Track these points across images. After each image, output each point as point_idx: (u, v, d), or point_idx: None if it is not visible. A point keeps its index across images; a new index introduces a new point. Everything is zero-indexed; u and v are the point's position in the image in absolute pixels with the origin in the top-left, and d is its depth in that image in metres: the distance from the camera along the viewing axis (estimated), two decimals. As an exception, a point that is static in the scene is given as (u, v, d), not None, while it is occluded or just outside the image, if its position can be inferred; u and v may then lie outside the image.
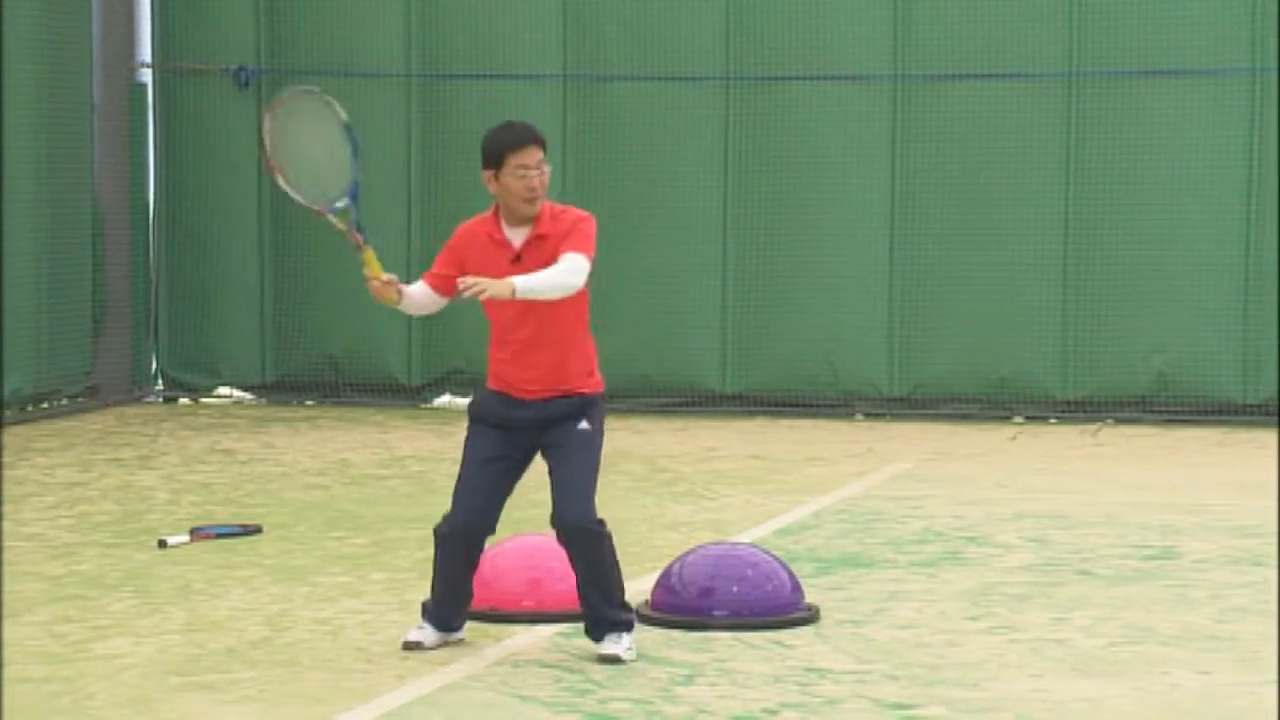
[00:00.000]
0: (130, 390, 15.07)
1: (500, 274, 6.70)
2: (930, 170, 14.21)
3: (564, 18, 14.56)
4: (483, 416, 6.87)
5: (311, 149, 6.85)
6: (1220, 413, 13.91)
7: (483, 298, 6.59)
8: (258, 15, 14.93)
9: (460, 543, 6.87)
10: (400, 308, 6.94)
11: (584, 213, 6.86)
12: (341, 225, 6.86)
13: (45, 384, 14.14)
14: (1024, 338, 14.12)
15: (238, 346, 15.13)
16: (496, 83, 14.62)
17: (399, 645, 7.03)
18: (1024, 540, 9.35)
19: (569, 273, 6.65)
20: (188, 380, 15.26)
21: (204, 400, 15.27)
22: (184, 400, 15.25)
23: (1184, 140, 13.84)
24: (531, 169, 6.69)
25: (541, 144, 6.74)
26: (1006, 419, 14.15)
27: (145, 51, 15.18)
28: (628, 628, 6.91)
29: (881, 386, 14.34)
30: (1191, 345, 13.89)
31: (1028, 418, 14.15)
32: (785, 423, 14.01)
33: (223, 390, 15.36)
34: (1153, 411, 14.02)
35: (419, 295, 6.92)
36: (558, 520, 6.75)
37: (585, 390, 6.85)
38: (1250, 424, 13.78)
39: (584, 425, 6.81)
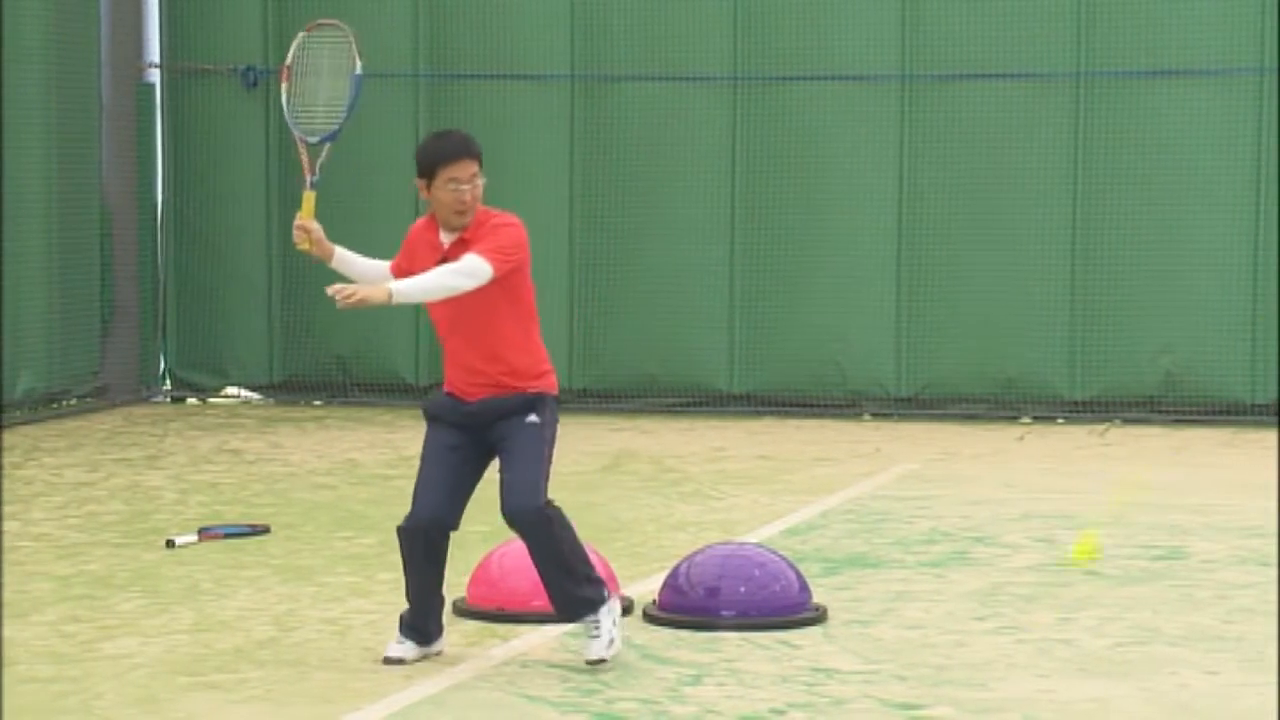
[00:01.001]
0: (138, 390, 15.09)
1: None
2: (938, 170, 14.21)
3: (572, 18, 14.56)
4: (436, 415, 6.87)
5: (319, 80, 6.88)
6: (1228, 413, 13.89)
7: (359, 305, 6.51)
8: (265, 16, 14.94)
9: (421, 537, 6.79)
10: (333, 265, 6.89)
11: (511, 218, 6.80)
12: (305, 157, 6.84)
13: (55, 384, 14.15)
14: (1032, 338, 14.12)
15: (245, 346, 15.14)
16: (505, 83, 14.62)
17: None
18: (1031, 540, 9.35)
19: (455, 274, 6.59)
20: (196, 380, 15.27)
21: (212, 400, 15.28)
22: (192, 400, 15.26)
23: (1192, 140, 13.83)
24: (464, 183, 6.67)
25: (476, 157, 6.71)
26: (1014, 419, 14.14)
27: (153, 52, 15.19)
28: (592, 605, 6.73)
29: (889, 386, 14.34)
30: (1199, 346, 13.88)
31: (1035, 418, 14.14)
32: (792, 423, 14.01)
33: (230, 390, 15.37)
34: (1160, 412, 14.01)
35: (371, 271, 6.90)
36: (503, 510, 6.68)
37: (531, 390, 6.78)
38: (1258, 424, 13.77)
39: (531, 418, 6.76)
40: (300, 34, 7.01)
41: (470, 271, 6.60)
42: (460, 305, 6.69)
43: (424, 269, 6.72)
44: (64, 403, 14.35)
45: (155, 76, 15.19)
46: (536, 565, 6.77)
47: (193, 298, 15.20)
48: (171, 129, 15.18)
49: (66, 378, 14.30)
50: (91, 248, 14.57)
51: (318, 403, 15.06)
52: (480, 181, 6.74)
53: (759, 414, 14.35)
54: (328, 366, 15.05)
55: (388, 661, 6.88)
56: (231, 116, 15.06)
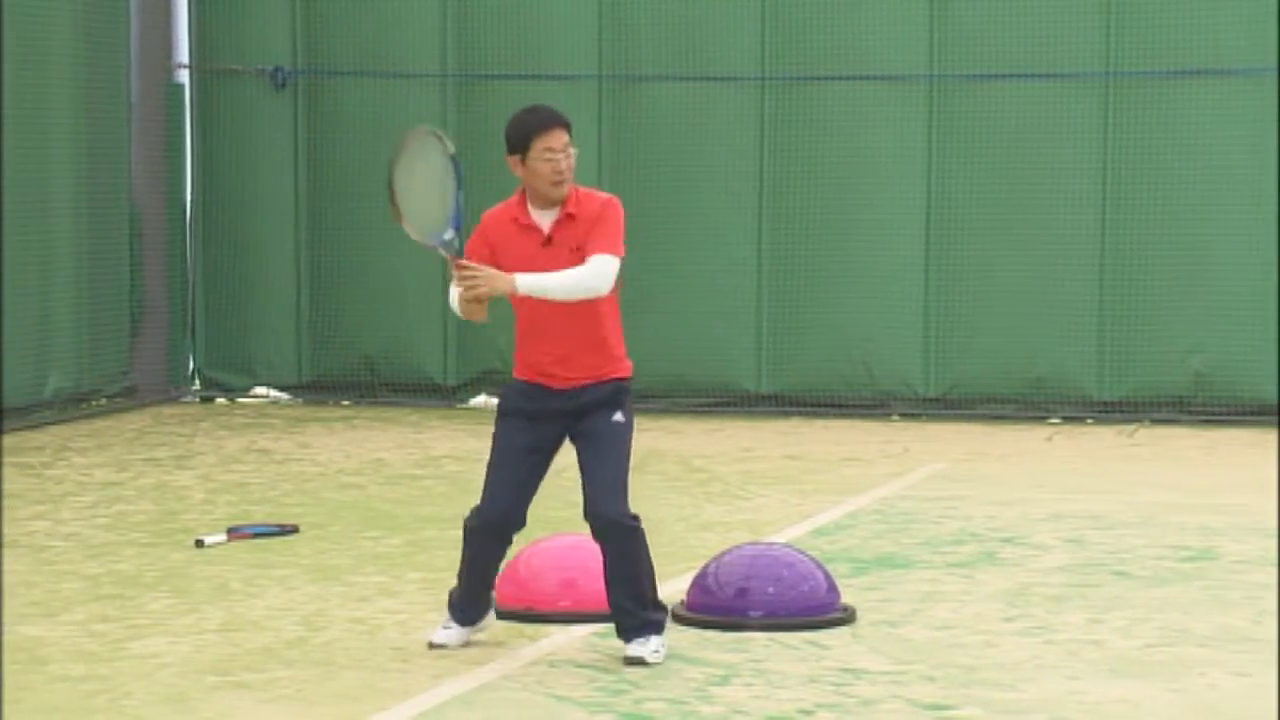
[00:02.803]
0: (167, 390, 15.12)
1: (531, 258, 6.67)
2: (966, 170, 14.18)
3: (600, 18, 14.56)
4: (513, 409, 6.82)
5: (422, 184, 6.79)
6: (1258, 413, 13.84)
7: (479, 293, 6.50)
8: (294, 16, 14.97)
9: (491, 536, 6.85)
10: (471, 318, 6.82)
11: (611, 196, 6.81)
12: (447, 254, 6.76)
13: (85, 384, 14.19)
14: (1060, 338, 14.08)
15: (274, 346, 15.16)
16: (532, 83, 14.63)
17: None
18: (1060, 541, 9.32)
19: (594, 276, 6.60)
20: (224, 380, 15.30)
21: (240, 400, 15.31)
22: (220, 400, 15.29)
23: (1221, 139, 13.78)
24: (558, 152, 6.63)
25: (567, 126, 6.68)
26: (1043, 419, 14.11)
27: (182, 52, 15.23)
28: (657, 629, 6.83)
29: (917, 387, 14.31)
30: (1228, 346, 13.83)
31: (1064, 418, 14.10)
32: (820, 423, 14.00)
33: (259, 390, 15.40)
34: (1190, 412, 13.96)
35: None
36: (592, 513, 6.69)
37: (617, 375, 6.78)
38: (1288, 425, 13.71)
39: (618, 417, 6.75)
40: (391, 167, 6.86)
41: (608, 274, 6.60)
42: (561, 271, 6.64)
43: (523, 255, 6.64)
44: (93, 403, 14.38)
45: (184, 77, 15.23)
46: (607, 571, 6.77)
47: (221, 298, 15.23)
48: (200, 129, 15.21)
49: (96, 378, 14.34)
50: (121, 248, 14.62)
51: (346, 403, 15.08)
52: (574, 151, 6.69)
53: (787, 414, 14.34)
54: (356, 366, 15.07)
55: (432, 646, 6.94)
56: (260, 117, 15.09)
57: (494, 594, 7.12)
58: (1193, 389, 13.95)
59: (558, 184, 6.66)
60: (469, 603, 7.00)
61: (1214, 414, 13.90)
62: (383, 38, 14.90)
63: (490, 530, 6.85)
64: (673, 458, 12.13)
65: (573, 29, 14.61)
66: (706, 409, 14.53)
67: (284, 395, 15.31)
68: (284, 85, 15.00)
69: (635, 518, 6.75)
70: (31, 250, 13.56)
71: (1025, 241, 14.12)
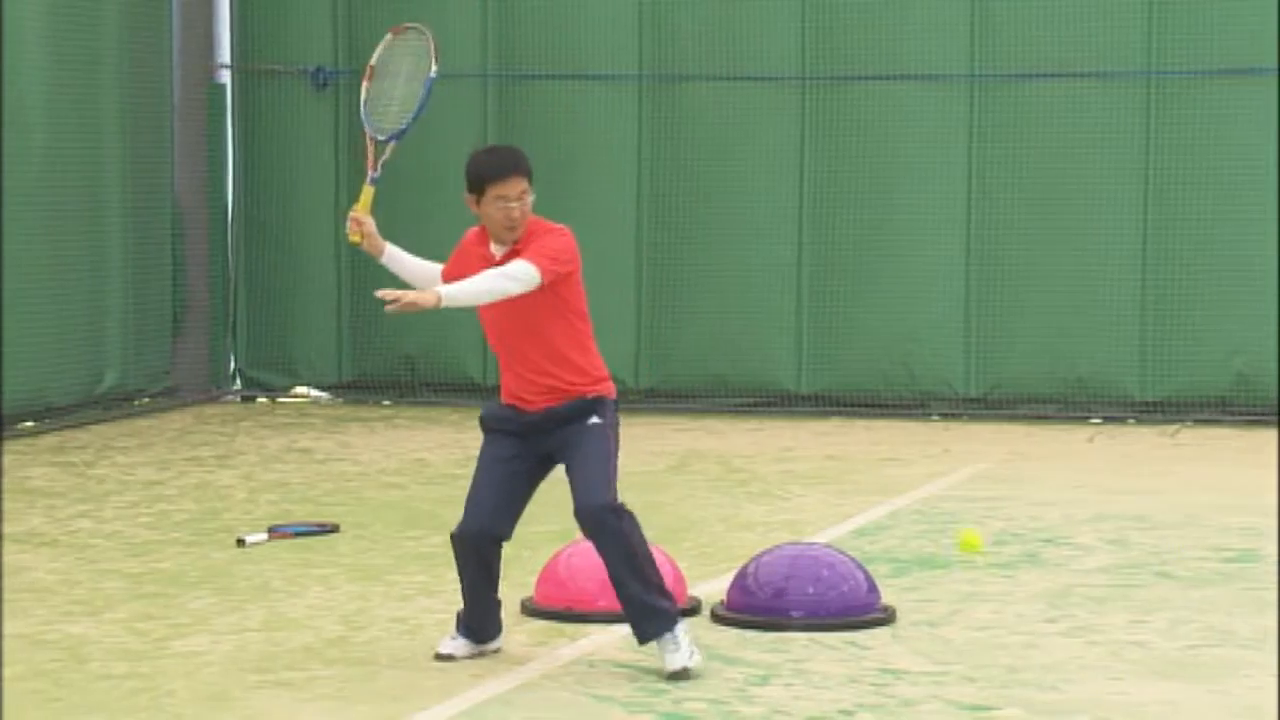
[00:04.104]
0: (209, 390, 15.17)
1: None
2: (1007, 170, 14.13)
3: (640, 18, 14.56)
4: (492, 425, 6.86)
5: (397, 81, 6.99)
6: (1301, 414, 13.77)
7: (408, 310, 6.53)
8: (335, 17, 15.00)
9: (470, 546, 6.79)
10: (383, 262, 6.98)
11: (561, 227, 6.78)
12: (371, 153, 6.92)
13: (128, 384, 14.25)
14: (1102, 338, 14.03)
15: (315, 346, 15.20)
16: (573, 83, 14.63)
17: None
18: (1102, 542, 9.29)
19: (503, 277, 6.58)
20: (265, 380, 15.35)
21: (281, 400, 15.35)
22: (262, 400, 15.33)
23: (1264, 139, 13.71)
24: (511, 200, 6.65)
25: (525, 174, 6.69)
26: (1084, 420, 14.06)
27: (224, 53, 15.27)
28: (669, 621, 6.67)
29: (958, 387, 14.28)
30: (1271, 346, 13.75)
31: (1106, 418, 14.05)
32: (861, 423, 13.97)
33: (300, 390, 15.43)
34: (1232, 413, 13.89)
35: (421, 271, 6.98)
36: (576, 508, 6.63)
37: (591, 393, 6.76)
38: (1332, 425, 13.64)
39: (594, 420, 6.74)
40: (387, 36, 7.13)
41: (517, 275, 6.58)
42: (513, 312, 6.68)
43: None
44: (135, 402, 14.44)
45: (226, 77, 15.28)
46: (608, 567, 6.71)
47: (262, 298, 15.27)
48: (242, 129, 15.26)
49: (139, 377, 14.39)
50: (163, 248, 14.67)
51: (387, 402, 15.11)
52: (530, 198, 6.71)
53: (827, 414, 14.32)
54: (396, 366, 15.09)
55: (439, 658, 6.89)
56: (301, 117, 15.13)
57: (501, 615, 7.01)
58: (1235, 389, 13.89)
59: (509, 229, 6.69)
60: (471, 619, 6.92)
61: (1256, 414, 13.83)
62: (423, 38, 14.90)
63: (470, 541, 6.78)
64: (713, 458, 12.12)
65: (613, 29, 14.61)
66: (747, 409, 14.51)
67: (325, 395, 15.34)
68: (325, 85, 15.04)
69: (620, 505, 6.65)
70: (77, 251, 13.61)
71: (1067, 241, 14.07)
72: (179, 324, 14.90)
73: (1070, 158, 14.03)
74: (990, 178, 14.14)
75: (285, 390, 15.41)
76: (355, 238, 6.95)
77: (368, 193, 6.96)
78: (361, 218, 6.95)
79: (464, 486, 10.94)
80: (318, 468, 11.78)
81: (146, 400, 14.54)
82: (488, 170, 6.70)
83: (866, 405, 14.36)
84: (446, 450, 12.56)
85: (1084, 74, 13.98)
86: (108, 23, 13.92)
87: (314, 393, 15.40)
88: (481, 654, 6.95)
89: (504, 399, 6.88)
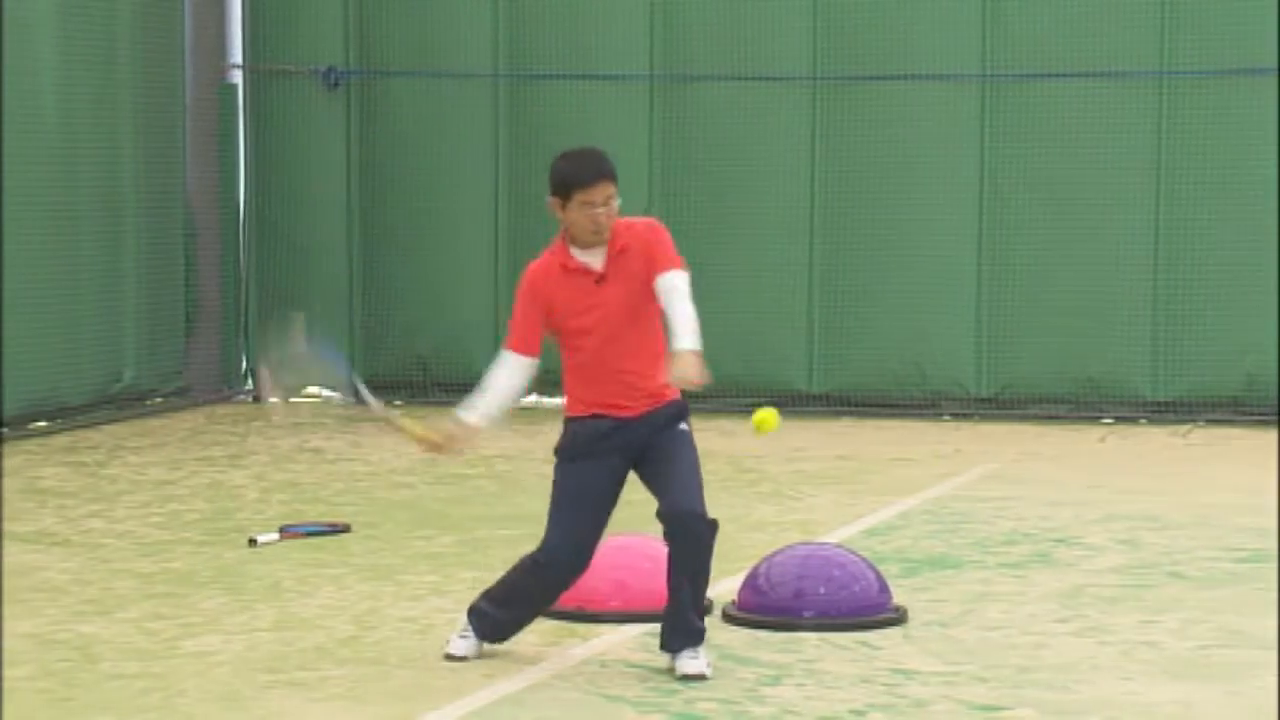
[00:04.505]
0: (220, 389, 15.18)
1: (587, 300, 6.59)
2: (1019, 170, 14.11)
3: (651, 18, 14.55)
4: (581, 451, 6.64)
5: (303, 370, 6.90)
6: (1313, 414, 13.74)
7: (696, 379, 6.42)
8: (347, 17, 15.01)
9: (554, 581, 6.74)
10: (483, 430, 6.80)
11: (652, 221, 6.75)
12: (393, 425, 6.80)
13: (140, 384, 14.26)
14: (1113, 338, 14.01)
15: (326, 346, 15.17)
16: (584, 83, 14.63)
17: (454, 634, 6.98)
18: (1114, 542, 9.28)
19: (687, 295, 6.58)
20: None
21: (292, 400, 15.31)
22: (273, 399, 15.30)
23: (1276, 138, 13.68)
24: (599, 205, 6.56)
25: (612, 178, 6.58)
26: (1096, 420, 14.03)
27: (236, 53, 15.28)
28: (700, 639, 6.72)
29: (969, 387, 14.26)
30: (1283, 346, 13.74)
31: (1117, 419, 14.02)
32: (872, 423, 13.96)
33: (311, 389, 15.43)
34: (1244, 412, 13.87)
35: (508, 386, 6.78)
36: (672, 508, 6.54)
37: (677, 396, 6.71)
38: (1344, 425, 13.61)
39: (683, 426, 6.70)
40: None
41: (688, 286, 6.60)
42: (624, 312, 6.59)
43: (580, 298, 6.58)
44: (147, 402, 14.45)
45: (238, 77, 15.29)
46: (676, 571, 6.63)
47: (274, 297, 15.27)
48: (254, 130, 15.26)
49: (150, 377, 14.40)
50: (175, 247, 14.68)
51: (398, 402, 15.10)
52: (616, 203, 6.59)
53: (839, 414, 14.31)
54: (408, 366, 15.10)
55: (449, 658, 6.86)
56: (313, 117, 15.14)
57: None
58: (1247, 390, 13.86)
59: (596, 233, 6.59)
60: (510, 630, 6.87)
61: (1268, 414, 13.80)
62: (435, 38, 14.93)
63: (560, 568, 6.70)
64: (724, 458, 12.11)
65: (624, 29, 14.60)
66: (758, 409, 14.46)
67: (336, 395, 15.33)
68: (336, 85, 15.04)
69: (713, 520, 6.65)
70: (89, 251, 13.62)
71: (1078, 241, 14.05)
72: (191, 324, 14.91)
73: (1083, 157, 14.01)
74: (1002, 178, 14.12)
75: (297, 390, 15.38)
76: (462, 441, 6.78)
77: (406, 423, 6.83)
78: (441, 435, 6.83)
79: (475, 486, 11.04)
80: (329, 468, 11.78)
81: (159, 400, 14.55)
82: (575, 176, 6.55)
83: (878, 405, 14.35)
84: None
85: (1096, 74, 13.96)
86: (120, 23, 13.93)
87: (325, 393, 15.38)
88: (482, 654, 6.91)
89: (589, 411, 6.66)
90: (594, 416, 6.67)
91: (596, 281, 6.63)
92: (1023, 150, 14.10)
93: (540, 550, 6.74)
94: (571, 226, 6.63)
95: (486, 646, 6.94)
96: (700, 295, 15.32)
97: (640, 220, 6.75)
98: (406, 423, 6.79)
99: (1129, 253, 13.96)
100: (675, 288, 6.58)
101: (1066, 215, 14.07)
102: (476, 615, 6.90)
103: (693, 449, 6.71)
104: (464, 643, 6.91)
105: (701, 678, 6.63)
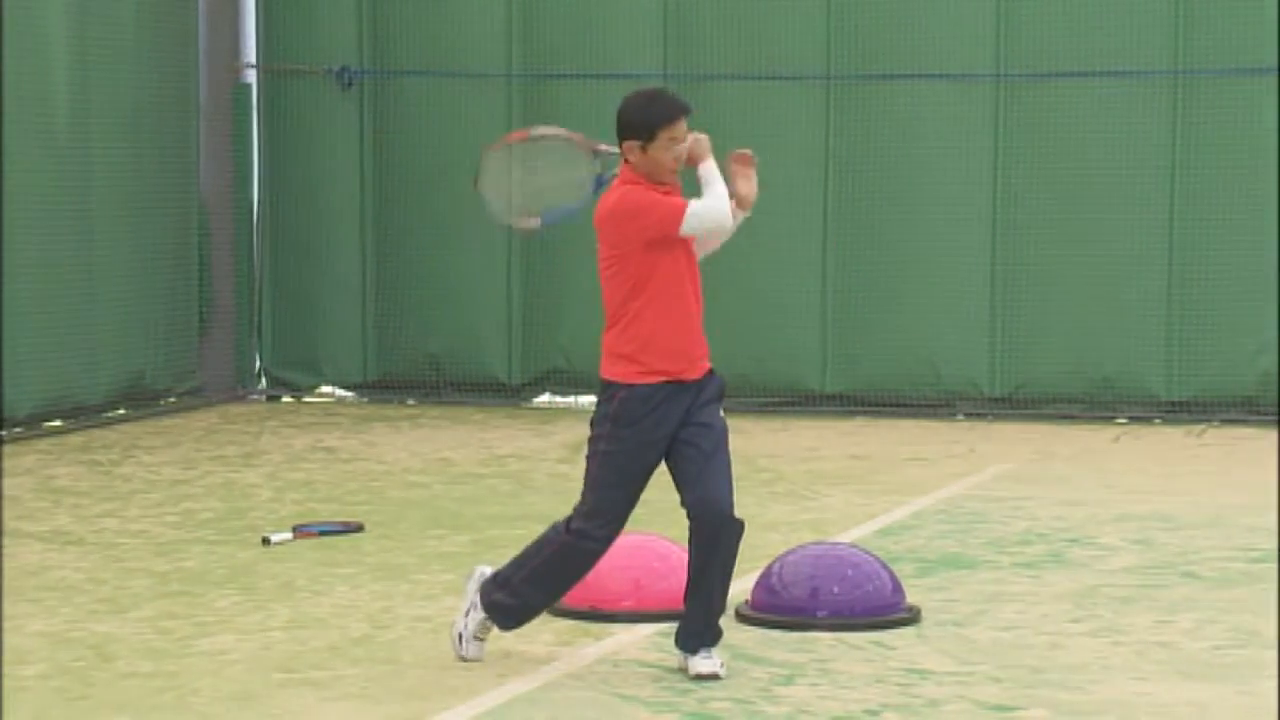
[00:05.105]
0: (234, 389, 15.19)
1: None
2: (1033, 168, 14.08)
3: (664, 17, 14.55)
4: (643, 419, 6.47)
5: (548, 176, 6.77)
6: (1328, 414, 13.71)
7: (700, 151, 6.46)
8: (360, 16, 15.01)
9: (597, 559, 6.70)
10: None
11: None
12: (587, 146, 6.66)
13: (154, 383, 14.27)
14: (1128, 337, 13.98)
15: (340, 345, 15.21)
16: (598, 82, 14.62)
17: (498, 644, 6.97)
18: (1128, 542, 9.27)
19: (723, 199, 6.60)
20: (290, 379, 15.36)
21: (306, 399, 15.36)
22: (286, 399, 15.34)
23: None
24: (680, 141, 6.57)
25: (689, 113, 6.60)
26: (1110, 419, 14.01)
27: (250, 52, 15.29)
28: (716, 640, 6.72)
29: (983, 386, 14.24)
30: (1298, 345, 13.71)
31: (1132, 418, 14.00)
32: (886, 423, 13.95)
33: (325, 389, 15.44)
34: (1259, 412, 13.84)
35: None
36: (707, 508, 6.46)
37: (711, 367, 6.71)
38: (1359, 425, 13.58)
39: (722, 414, 6.67)
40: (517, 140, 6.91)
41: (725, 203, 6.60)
42: (691, 259, 6.58)
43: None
44: (161, 401, 14.46)
45: (251, 77, 15.30)
46: (701, 570, 6.56)
47: (288, 297, 15.28)
48: (267, 129, 15.27)
49: (164, 376, 14.42)
50: (189, 247, 14.69)
51: (411, 401, 15.12)
52: (689, 136, 6.61)
53: (852, 414, 14.30)
54: (421, 365, 15.10)
55: (462, 660, 6.83)
56: (327, 117, 15.14)
57: None
58: (1261, 389, 13.83)
59: (674, 170, 6.58)
60: (527, 617, 6.79)
61: (1283, 414, 13.77)
62: (449, 37, 14.93)
63: (600, 554, 6.67)
64: (737, 457, 11.86)
65: (637, 28, 14.60)
66: (771, 408, 14.50)
67: (350, 394, 15.36)
68: (350, 85, 15.05)
69: (741, 521, 6.61)
70: (103, 251, 13.63)
71: (1093, 240, 14.02)
72: (205, 323, 14.93)
73: (1096, 156, 13.98)
74: (1016, 176, 14.10)
75: (310, 389, 15.42)
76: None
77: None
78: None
79: (489, 486, 11.04)
80: (342, 467, 11.78)
81: (172, 399, 14.56)
82: (661, 113, 6.53)
83: (891, 405, 14.33)
84: (471, 449, 12.56)
85: (1110, 73, 13.94)
86: (133, 23, 13.94)
87: (339, 392, 15.41)
88: (500, 651, 6.88)
89: (654, 376, 6.47)
90: (661, 384, 6.52)
91: None
92: (1037, 149, 14.08)
93: (591, 536, 6.57)
94: (652, 168, 6.55)
95: (495, 636, 6.88)
96: (713, 293, 15.31)
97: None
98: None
99: (1143, 252, 13.93)
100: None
101: (1080, 215, 14.05)
102: (507, 610, 6.74)
103: (727, 440, 6.63)
104: (477, 645, 6.84)
105: (715, 678, 6.64)
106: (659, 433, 6.53)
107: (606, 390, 6.58)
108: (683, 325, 6.56)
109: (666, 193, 6.60)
